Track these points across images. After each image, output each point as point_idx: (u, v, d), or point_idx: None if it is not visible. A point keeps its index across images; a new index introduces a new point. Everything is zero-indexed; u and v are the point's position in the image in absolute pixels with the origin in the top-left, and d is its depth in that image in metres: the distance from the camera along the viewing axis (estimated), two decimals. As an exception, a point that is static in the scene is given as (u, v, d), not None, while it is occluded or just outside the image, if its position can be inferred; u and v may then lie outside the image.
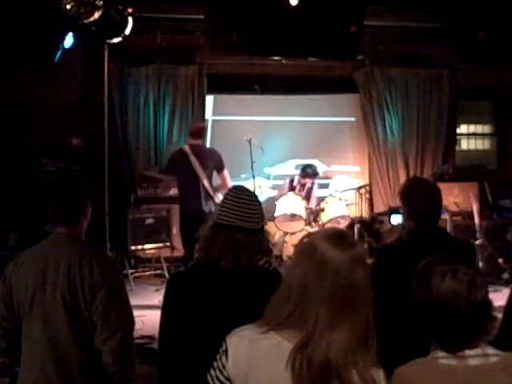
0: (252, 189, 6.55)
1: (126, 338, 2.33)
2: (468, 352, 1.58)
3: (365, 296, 1.48)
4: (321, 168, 8.43)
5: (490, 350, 1.61)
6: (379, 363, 1.49)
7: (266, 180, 8.15)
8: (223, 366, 1.52)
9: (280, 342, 1.47)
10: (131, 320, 2.41)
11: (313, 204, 7.53)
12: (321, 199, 7.52)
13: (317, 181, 7.76)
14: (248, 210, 2.06)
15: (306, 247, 1.53)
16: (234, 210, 2.06)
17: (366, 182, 8.42)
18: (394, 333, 2.51)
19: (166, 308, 2.08)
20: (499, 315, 2.46)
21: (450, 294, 1.59)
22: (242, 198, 2.09)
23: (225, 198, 2.13)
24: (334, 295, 1.44)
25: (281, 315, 1.48)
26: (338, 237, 1.52)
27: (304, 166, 7.63)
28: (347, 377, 1.42)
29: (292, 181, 7.76)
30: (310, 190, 7.67)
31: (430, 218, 2.74)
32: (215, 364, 1.54)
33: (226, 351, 1.52)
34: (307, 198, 7.47)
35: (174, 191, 7.24)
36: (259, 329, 1.50)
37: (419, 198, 2.74)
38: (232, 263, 2.00)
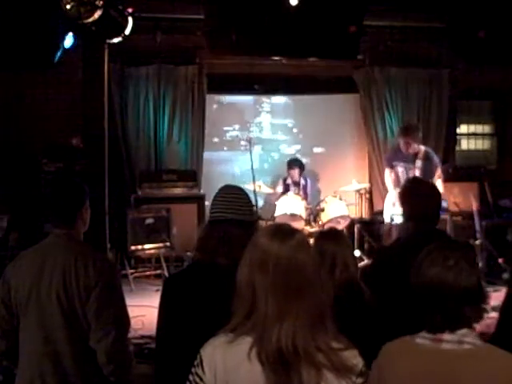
0: (252, 189, 6.58)
1: (121, 337, 2.33)
2: (446, 336, 1.64)
3: (311, 278, 1.52)
4: (320, 168, 8.44)
5: (468, 339, 1.63)
6: (353, 345, 1.52)
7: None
8: (200, 379, 1.53)
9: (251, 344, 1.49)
10: (126, 319, 2.41)
11: (310, 201, 7.55)
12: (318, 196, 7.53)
13: (309, 179, 7.86)
14: (238, 203, 2.12)
15: (249, 246, 1.59)
16: (225, 205, 2.12)
17: (366, 182, 8.41)
18: (391, 330, 2.52)
19: (163, 307, 2.09)
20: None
21: (435, 278, 1.65)
22: (231, 193, 2.17)
23: (215, 196, 2.19)
24: (277, 284, 1.48)
25: (241, 317, 1.52)
26: (276, 230, 1.59)
27: (288, 161, 7.78)
28: (313, 360, 1.45)
29: (285, 179, 7.82)
30: (305, 187, 7.72)
31: (428, 218, 2.74)
32: (191, 377, 1.55)
33: (201, 363, 1.53)
34: (305, 196, 7.50)
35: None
36: (228, 336, 1.53)
37: (417, 198, 2.74)
38: (227, 257, 2.01)
